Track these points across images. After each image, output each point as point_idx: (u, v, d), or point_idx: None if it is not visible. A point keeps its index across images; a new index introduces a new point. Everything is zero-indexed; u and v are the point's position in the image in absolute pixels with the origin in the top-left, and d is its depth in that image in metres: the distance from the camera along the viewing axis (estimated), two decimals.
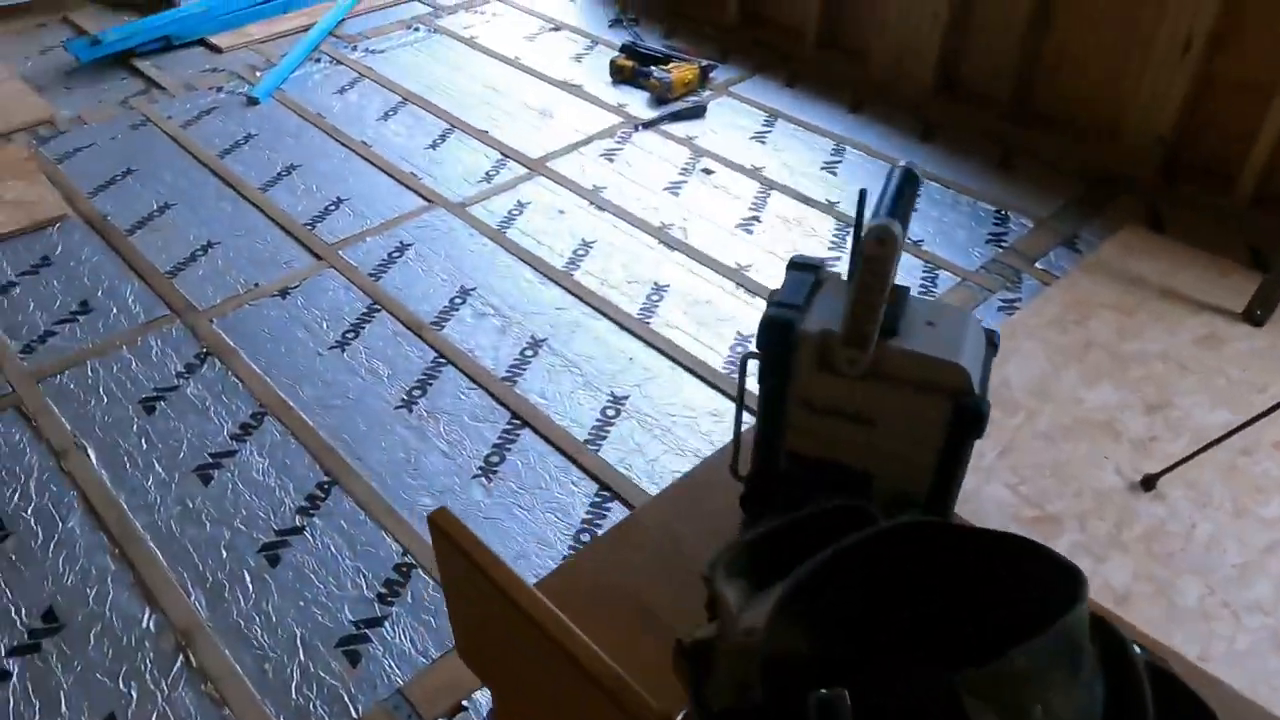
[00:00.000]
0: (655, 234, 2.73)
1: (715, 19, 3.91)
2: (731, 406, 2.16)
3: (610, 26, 3.97)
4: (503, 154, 3.11)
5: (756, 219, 2.80)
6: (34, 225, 2.76)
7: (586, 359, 2.30)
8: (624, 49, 3.59)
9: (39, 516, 1.92)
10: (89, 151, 3.14)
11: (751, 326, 2.40)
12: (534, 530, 1.90)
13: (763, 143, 3.17)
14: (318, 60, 3.72)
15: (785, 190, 2.92)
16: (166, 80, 3.56)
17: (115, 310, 2.46)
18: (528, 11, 4.11)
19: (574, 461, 2.04)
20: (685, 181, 2.97)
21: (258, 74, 3.60)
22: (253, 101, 3.41)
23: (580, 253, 2.66)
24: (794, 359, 0.95)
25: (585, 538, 1.88)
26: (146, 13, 4.07)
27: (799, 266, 1.04)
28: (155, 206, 2.86)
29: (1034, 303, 2.44)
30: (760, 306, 2.47)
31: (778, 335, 0.94)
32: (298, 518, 1.91)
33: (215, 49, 3.80)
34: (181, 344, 2.35)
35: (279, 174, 3.02)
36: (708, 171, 3.02)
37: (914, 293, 2.58)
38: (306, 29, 3.93)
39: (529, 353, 2.32)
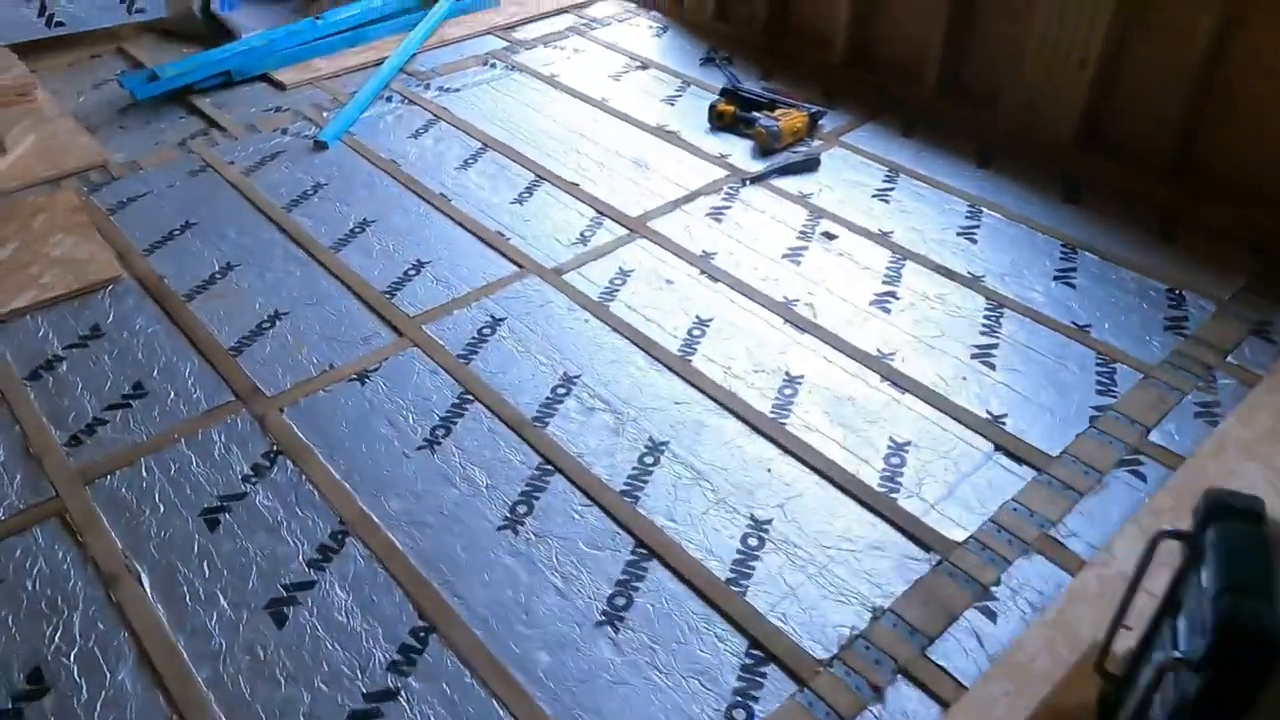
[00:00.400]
0: (779, 311, 2.40)
1: (819, 58, 3.58)
2: (900, 538, 1.83)
3: (701, 65, 3.66)
4: (598, 211, 2.80)
5: (892, 294, 2.46)
6: (84, 288, 2.47)
7: (717, 469, 1.97)
8: (724, 93, 3.27)
9: (84, 665, 1.61)
10: (144, 201, 2.86)
11: (906, 429, 2.06)
12: (676, 702, 1.56)
13: (886, 202, 2.84)
14: (388, 99, 3.44)
15: (920, 260, 2.58)
16: (227, 120, 3.30)
17: (173, 394, 2.16)
18: (611, 48, 3.81)
19: (716, 608, 1.70)
20: (805, 248, 2.64)
21: (325, 114, 3.33)
22: (320, 146, 3.12)
23: (696, 333, 2.34)
24: (1267, 681, 0.62)
25: (739, 715, 1.54)
26: (206, 44, 3.82)
27: (1229, 513, 0.70)
28: (217, 267, 2.57)
29: (1240, 409, 2.07)
30: (911, 405, 2.14)
31: (1251, 651, 0.61)
32: (390, 677, 1.59)
33: (279, 85, 3.53)
34: (248, 439, 2.05)
35: (352, 230, 2.72)
36: (829, 236, 2.69)
37: (1093, 392, 2.17)
38: (375, 64, 3.66)
39: (649, 459, 2.00)
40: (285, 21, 4.01)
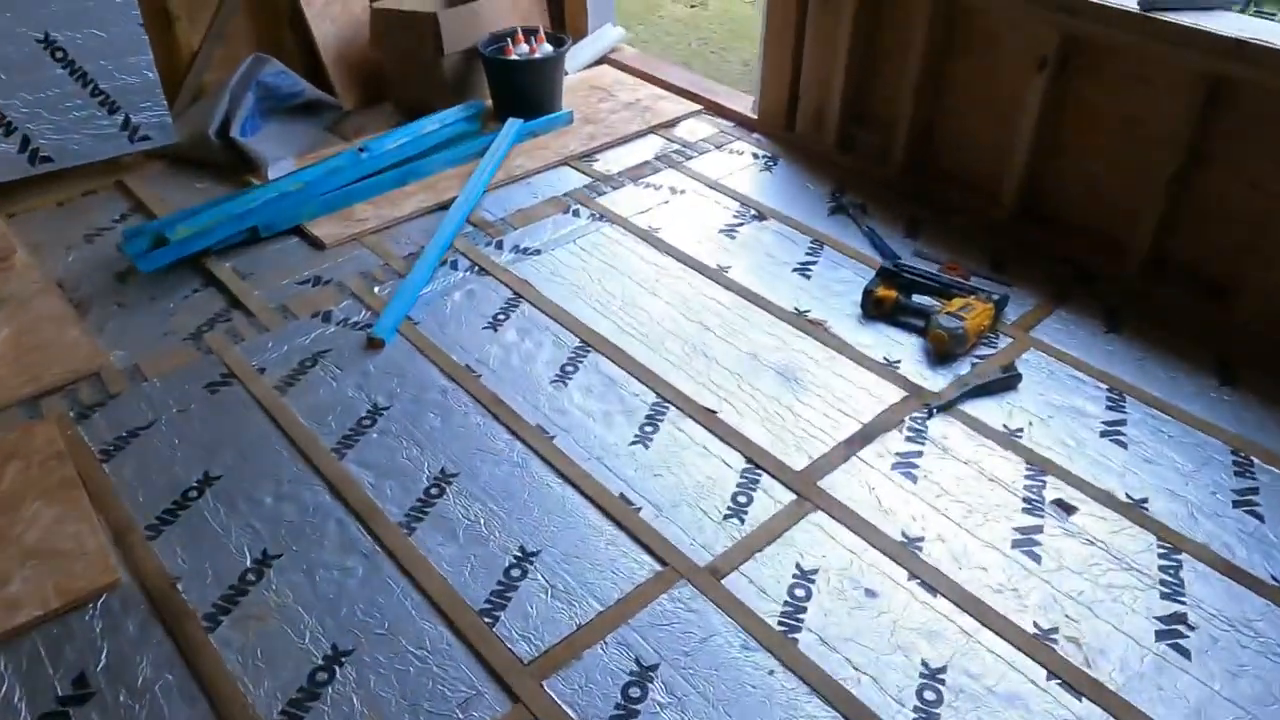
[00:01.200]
0: (1036, 653, 1.73)
1: (979, 209, 2.94)
2: None
3: (830, 215, 3.01)
4: (749, 460, 2.13)
5: (1182, 620, 1.79)
6: (67, 605, 1.80)
7: None
8: (882, 274, 2.60)
9: None
10: (149, 437, 2.18)
11: None
12: None
13: (1121, 444, 2.17)
14: (453, 264, 2.78)
15: (1199, 553, 1.91)
16: (254, 299, 2.63)
17: None
18: (715, 187, 3.15)
19: None
20: (1039, 528, 1.97)
21: (376, 289, 2.66)
22: (375, 343, 2.46)
23: (930, 696, 1.66)
24: None
25: None
26: (222, 175, 3.17)
27: None
28: (249, 561, 1.89)
29: None
30: None
31: None
32: None
33: (316, 244, 2.86)
34: None
35: (427, 491, 2.05)
36: (1066, 508, 2.02)
37: None
38: (433, 210, 2.99)
39: None
40: (314, 143, 3.38)
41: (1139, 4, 2.39)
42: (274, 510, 2.00)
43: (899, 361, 2.42)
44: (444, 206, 3.01)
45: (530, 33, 3.53)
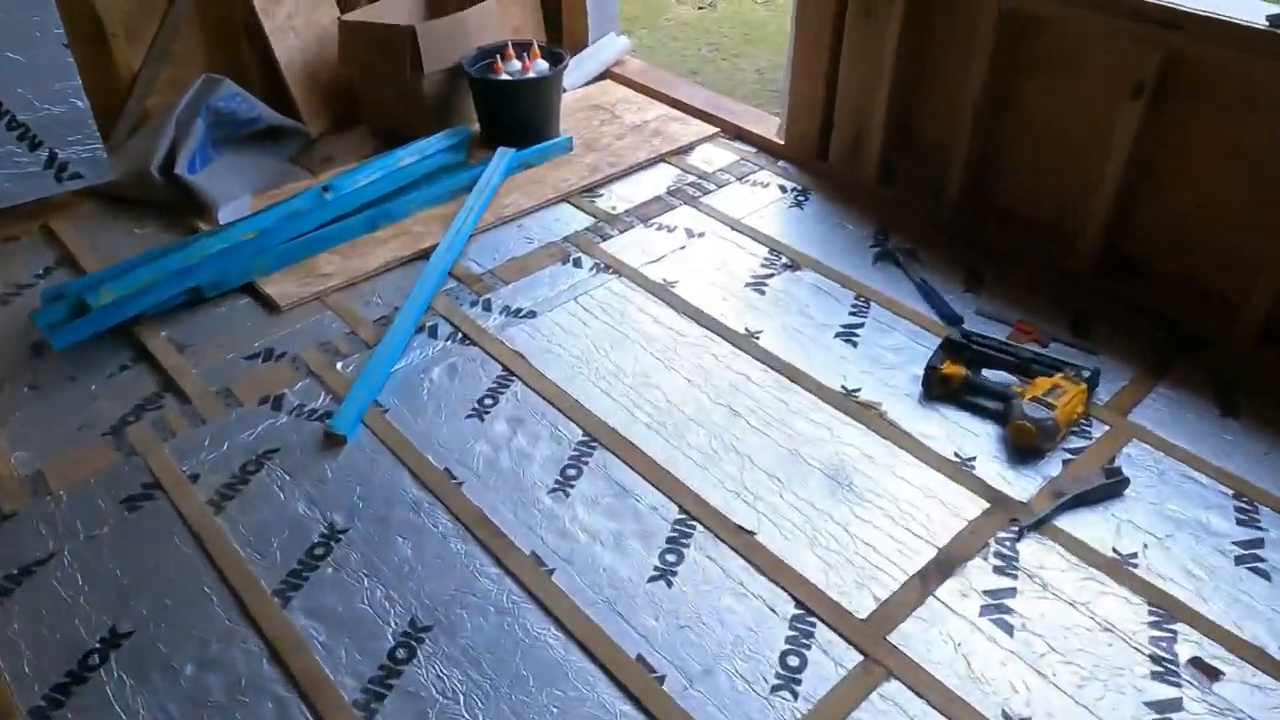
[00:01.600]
0: None
1: (1051, 256, 2.50)
2: None
3: (874, 263, 2.58)
4: (799, 604, 1.69)
5: None
6: None
7: None
8: (948, 346, 2.16)
9: None
10: (47, 575, 1.74)
11: None
12: None
13: (1263, 575, 1.73)
14: (431, 331, 2.35)
15: None
16: (191, 380, 2.18)
17: None
18: (737, 228, 2.71)
19: None
20: (1177, 702, 1.54)
21: (338, 365, 2.23)
22: (334, 439, 2.03)
23: None
24: None
25: None
26: (167, 216, 2.73)
27: None
28: None
29: None
30: None
31: None
32: None
33: (270, 305, 2.42)
34: None
35: (393, 653, 1.61)
36: (1205, 671, 1.59)
37: None
38: (409, 261, 2.55)
39: None
40: (275, 177, 2.94)
41: (1268, 19, 1.96)
42: (195, 684, 1.56)
43: (973, 459, 1.98)
44: (423, 256, 2.57)
45: (523, 48, 3.08)
